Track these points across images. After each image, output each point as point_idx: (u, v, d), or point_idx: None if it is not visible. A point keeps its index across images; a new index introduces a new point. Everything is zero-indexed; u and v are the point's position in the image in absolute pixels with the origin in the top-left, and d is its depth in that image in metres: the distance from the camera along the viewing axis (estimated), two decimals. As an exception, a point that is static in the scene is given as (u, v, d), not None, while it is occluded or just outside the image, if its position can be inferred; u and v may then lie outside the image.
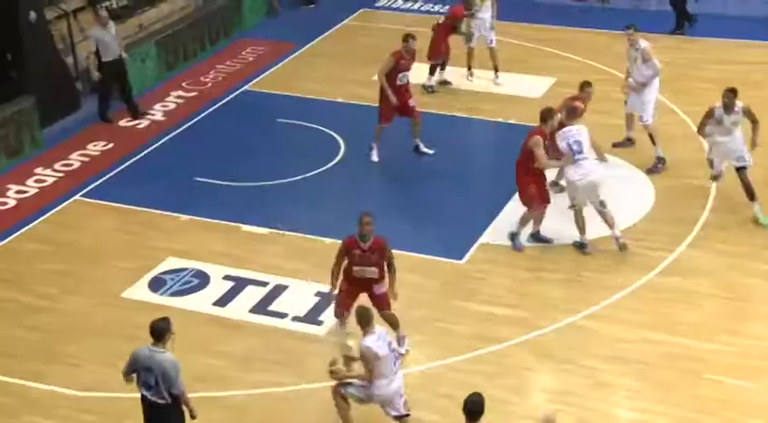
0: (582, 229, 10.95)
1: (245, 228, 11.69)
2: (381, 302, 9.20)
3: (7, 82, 13.86)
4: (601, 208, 10.87)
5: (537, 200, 10.95)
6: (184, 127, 14.41)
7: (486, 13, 15.17)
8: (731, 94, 11.31)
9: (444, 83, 15.23)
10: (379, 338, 7.97)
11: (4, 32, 13.84)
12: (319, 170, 12.95)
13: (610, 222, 10.88)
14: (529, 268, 10.87)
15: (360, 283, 9.19)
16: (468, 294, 10.48)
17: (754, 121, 11.42)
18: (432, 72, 15.03)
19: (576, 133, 10.90)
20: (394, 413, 8.14)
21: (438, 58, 14.98)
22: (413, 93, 12.99)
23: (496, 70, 15.34)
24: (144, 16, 16.71)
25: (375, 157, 13.00)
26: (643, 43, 12.74)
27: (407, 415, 8.21)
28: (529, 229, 11.21)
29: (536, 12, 17.93)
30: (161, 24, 16.72)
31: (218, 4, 17.48)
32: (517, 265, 10.91)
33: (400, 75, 12.66)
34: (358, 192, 12.43)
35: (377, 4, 18.93)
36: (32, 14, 13.91)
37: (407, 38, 12.74)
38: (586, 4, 18.42)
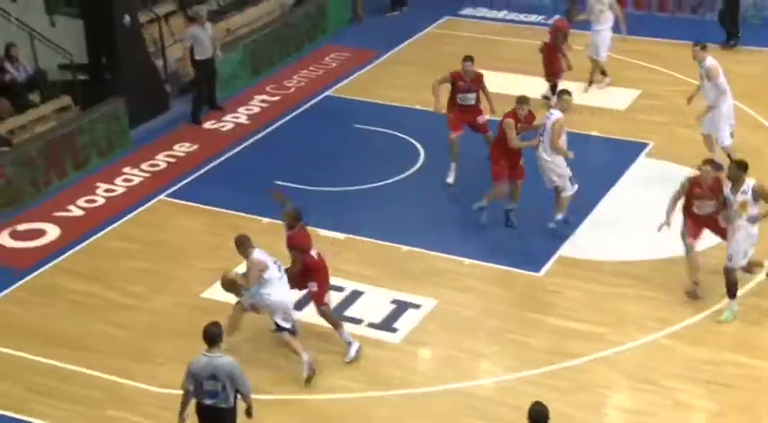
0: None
1: (323, 232, 11.79)
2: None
3: (100, 84, 14.26)
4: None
5: (498, 175, 11.58)
6: (267, 131, 14.63)
7: (603, 26, 14.88)
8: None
9: (547, 98, 14.75)
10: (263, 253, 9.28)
11: (100, 36, 14.24)
12: (399, 177, 13.01)
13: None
14: (608, 283, 10.74)
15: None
16: (545, 307, 10.41)
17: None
18: (553, 91, 14.47)
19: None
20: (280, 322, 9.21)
21: (557, 76, 14.62)
22: (483, 110, 12.72)
23: (590, 83, 15.19)
24: (231, 21, 17.03)
25: (450, 179, 12.80)
26: (709, 61, 12.32)
27: (290, 331, 9.23)
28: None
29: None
30: (248, 29, 17.01)
31: (303, 10, 17.70)
32: (596, 280, 10.79)
33: (460, 95, 12.53)
34: (436, 200, 12.45)
35: (461, 13, 18.93)
36: (126, 18, 14.29)
37: (465, 60, 12.56)
38: (673, 16, 18.12)
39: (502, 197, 11.75)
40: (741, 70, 15.39)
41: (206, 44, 14.43)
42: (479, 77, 12.59)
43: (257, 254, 9.29)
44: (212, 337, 7.57)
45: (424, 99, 14.09)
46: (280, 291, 9.32)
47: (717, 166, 10.56)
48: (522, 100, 11.57)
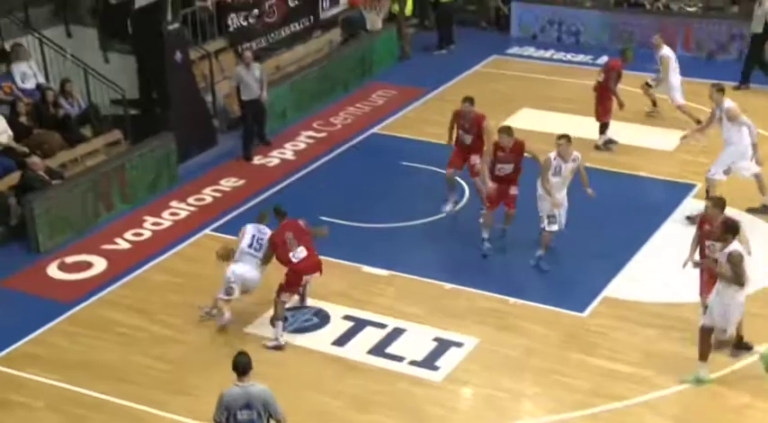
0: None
1: (366, 269, 11.81)
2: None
3: (151, 118, 14.51)
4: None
5: (487, 198, 12.00)
6: (313, 167, 14.74)
7: (673, 77, 15.03)
8: None
9: (610, 142, 14.80)
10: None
11: (151, 72, 14.51)
12: (442, 214, 12.98)
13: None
14: (654, 325, 10.58)
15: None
16: (589, 348, 10.27)
17: None
18: (602, 130, 14.66)
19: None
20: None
21: (607, 115, 14.62)
22: (479, 151, 12.61)
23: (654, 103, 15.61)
24: (281, 58, 17.26)
25: (446, 208, 12.95)
26: (727, 103, 12.28)
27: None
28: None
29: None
30: (296, 66, 17.21)
31: (351, 48, 17.88)
32: (641, 322, 10.64)
33: (460, 132, 12.66)
34: (480, 237, 12.40)
35: (508, 52, 18.98)
36: (178, 55, 14.56)
37: (464, 101, 12.59)
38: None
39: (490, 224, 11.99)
40: None
41: (251, 85, 14.59)
42: (478, 119, 12.52)
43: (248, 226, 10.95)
44: (243, 366, 7.62)
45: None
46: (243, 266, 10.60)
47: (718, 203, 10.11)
48: (504, 130, 11.69)
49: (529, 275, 11.58)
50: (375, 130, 15.94)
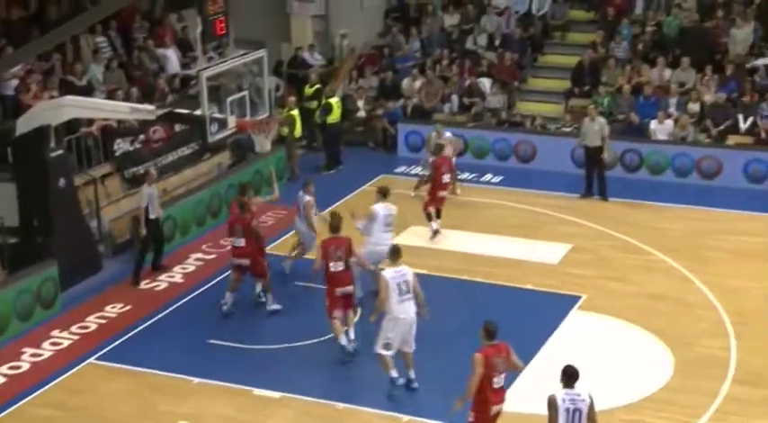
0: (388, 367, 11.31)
1: (257, 391, 11.59)
2: None
3: (32, 247, 14.14)
4: (410, 348, 11.35)
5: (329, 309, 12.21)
6: (203, 289, 14.54)
7: None
8: None
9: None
10: None
11: (35, 198, 14.25)
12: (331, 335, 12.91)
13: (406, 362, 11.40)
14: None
15: None
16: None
17: None
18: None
19: (405, 273, 11.16)
20: None
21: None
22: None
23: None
24: (169, 181, 17.21)
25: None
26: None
27: None
28: None
29: (552, 180, 18.29)
30: (184, 189, 17.17)
31: (239, 170, 17.98)
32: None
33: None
34: (371, 355, 12.32)
35: (396, 171, 19.39)
36: (62, 181, 14.37)
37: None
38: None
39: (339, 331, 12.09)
40: (664, 226, 16.00)
41: (156, 203, 14.71)
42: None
43: None
44: None
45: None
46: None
47: None
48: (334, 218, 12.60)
49: (422, 391, 11.52)
50: (266, 250, 15.86)
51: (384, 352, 11.32)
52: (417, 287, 11.25)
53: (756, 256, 14.98)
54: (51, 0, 18.66)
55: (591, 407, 8.71)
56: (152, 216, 14.63)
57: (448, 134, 17.68)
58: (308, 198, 14.31)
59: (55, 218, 14.28)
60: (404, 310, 11.15)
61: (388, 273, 11.16)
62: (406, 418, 11.00)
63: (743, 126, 18.67)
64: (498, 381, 9.55)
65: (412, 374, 11.49)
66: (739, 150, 18.30)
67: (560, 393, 8.75)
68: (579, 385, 8.78)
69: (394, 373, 11.39)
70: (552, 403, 8.74)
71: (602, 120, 17.47)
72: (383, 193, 13.75)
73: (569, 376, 8.76)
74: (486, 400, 9.54)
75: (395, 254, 11.36)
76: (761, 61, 19.46)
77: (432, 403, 11.21)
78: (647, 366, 11.97)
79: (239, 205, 13.62)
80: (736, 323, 12.86)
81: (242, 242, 13.40)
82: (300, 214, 14.42)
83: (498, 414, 9.78)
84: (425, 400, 11.35)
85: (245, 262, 13.49)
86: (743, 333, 12.60)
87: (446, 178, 16.06)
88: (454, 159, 17.09)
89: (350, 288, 12.33)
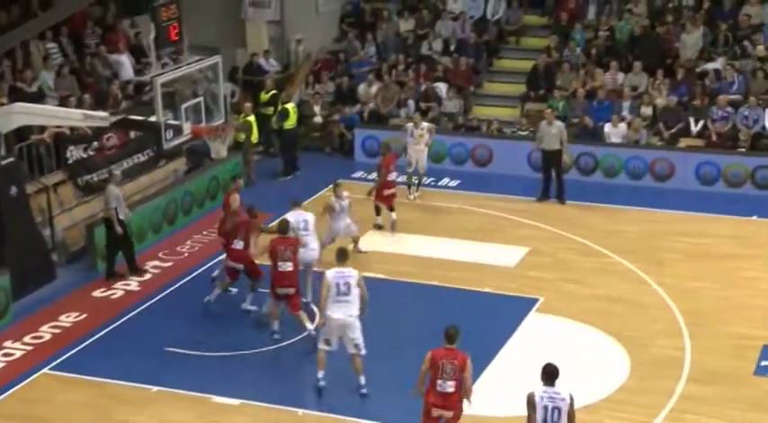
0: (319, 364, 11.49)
1: (216, 399, 11.49)
2: None
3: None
4: (356, 350, 11.35)
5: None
6: (159, 297, 14.39)
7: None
8: None
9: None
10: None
11: (-16, 208, 14.03)
12: (293, 340, 12.85)
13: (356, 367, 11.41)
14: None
15: None
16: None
17: None
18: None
19: (348, 275, 11.21)
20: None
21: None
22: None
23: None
24: (124, 188, 16.94)
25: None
26: None
27: None
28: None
29: (509, 184, 18.41)
30: (140, 196, 17.00)
31: (196, 176, 17.85)
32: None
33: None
34: (331, 361, 12.27)
35: (353, 176, 19.37)
36: (13, 189, 14.15)
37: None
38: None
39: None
40: (619, 228, 16.18)
41: (123, 204, 14.72)
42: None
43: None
44: None
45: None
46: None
47: None
48: (284, 225, 12.83)
49: (374, 395, 11.49)
50: (223, 257, 15.75)
51: (323, 346, 11.45)
52: (363, 289, 11.27)
53: (709, 256, 15.21)
54: (0, 5, 18.38)
55: (571, 405, 8.76)
56: (122, 216, 14.61)
57: (424, 124, 17.92)
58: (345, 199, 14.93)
59: (6, 226, 14.04)
60: (338, 311, 11.18)
61: (330, 273, 11.25)
62: (363, 422, 10.97)
63: (694, 129, 18.96)
64: (443, 385, 9.47)
65: (361, 380, 11.47)
66: (691, 153, 18.57)
67: (539, 391, 8.80)
68: (559, 384, 8.82)
69: (320, 374, 11.51)
70: (530, 401, 8.81)
71: (559, 123, 17.62)
72: (296, 203, 13.88)
73: (549, 375, 8.82)
74: (428, 402, 9.62)
75: (341, 256, 11.44)
76: (710, 65, 19.79)
77: (395, 409, 11.20)
78: (604, 367, 12.08)
79: (248, 211, 13.76)
80: (690, 323, 13.04)
81: (241, 245, 13.44)
82: (341, 213, 14.78)
83: (445, 420, 9.67)
84: (388, 405, 11.31)
85: (240, 266, 13.59)
86: (697, 333, 12.77)
87: (392, 176, 16.30)
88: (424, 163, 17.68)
89: (291, 290, 12.53)
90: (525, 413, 10.03)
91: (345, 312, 11.19)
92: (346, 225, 14.87)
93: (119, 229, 14.51)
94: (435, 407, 9.59)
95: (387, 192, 16.27)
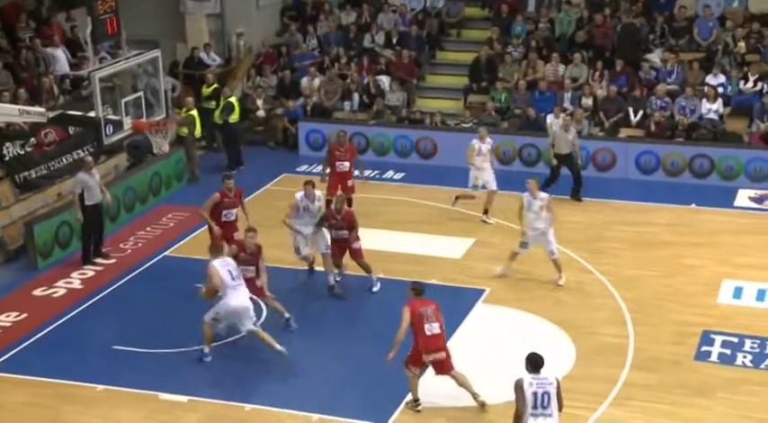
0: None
1: (163, 396, 11.38)
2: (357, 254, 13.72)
3: None
4: (251, 334, 11.94)
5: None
6: (103, 294, 14.19)
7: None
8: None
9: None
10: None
11: None
12: (239, 335, 12.76)
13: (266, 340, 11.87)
14: (454, 431, 10.73)
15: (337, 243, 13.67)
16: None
17: None
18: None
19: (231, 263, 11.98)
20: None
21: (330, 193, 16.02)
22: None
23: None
24: (63, 185, 16.72)
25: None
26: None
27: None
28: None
29: (453, 176, 18.50)
30: (80, 192, 16.70)
31: (138, 172, 17.62)
32: (443, 428, 10.77)
33: (225, 211, 13.92)
34: (274, 355, 12.25)
35: (298, 170, 19.30)
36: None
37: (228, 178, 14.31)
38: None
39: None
40: (563, 218, 16.38)
41: (94, 189, 14.74)
42: (239, 193, 14.33)
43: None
44: None
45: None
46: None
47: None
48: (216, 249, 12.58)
49: (330, 388, 11.50)
50: (167, 252, 15.62)
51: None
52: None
53: (651, 245, 15.48)
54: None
55: (558, 388, 9.01)
56: (88, 202, 14.64)
57: (489, 139, 16.60)
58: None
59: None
60: (236, 297, 11.77)
61: (217, 262, 11.93)
62: (316, 416, 10.96)
63: (633, 119, 19.26)
64: (430, 328, 10.46)
65: None
66: (631, 143, 18.87)
67: (527, 378, 8.99)
68: (545, 371, 9.04)
69: (206, 349, 12.01)
70: (519, 386, 8.97)
71: (574, 131, 17.39)
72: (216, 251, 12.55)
73: (534, 364, 9.04)
74: (419, 351, 10.50)
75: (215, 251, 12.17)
76: (650, 56, 20.12)
77: (341, 401, 11.23)
78: (550, 356, 12.05)
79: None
80: (633, 311, 13.27)
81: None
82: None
83: (440, 363, 10.55)
84: (335, 398, 11.34)
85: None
86: (640, 320, 13.00)
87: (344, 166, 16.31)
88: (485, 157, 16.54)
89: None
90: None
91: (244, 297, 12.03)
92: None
93: (78, 216, 14.68)
94: (429, 352, 10.42)
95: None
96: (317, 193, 14.04)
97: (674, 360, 12.01)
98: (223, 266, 11.89)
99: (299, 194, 13.97)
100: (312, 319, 13.10)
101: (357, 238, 13.85)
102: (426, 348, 10.52)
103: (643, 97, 19.39)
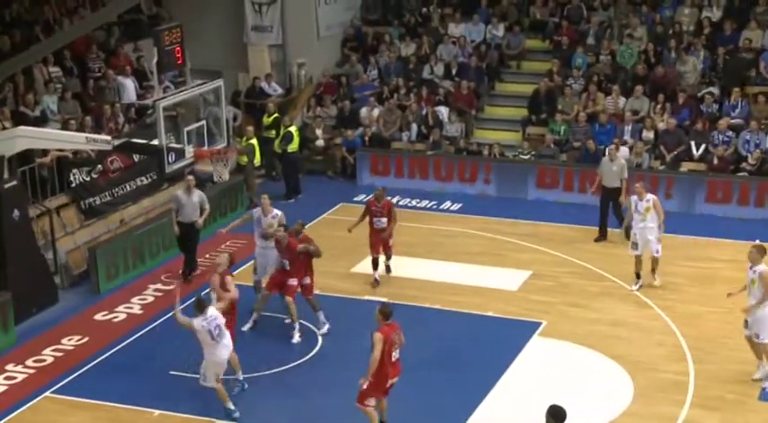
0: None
1: (219, 423, 11.47)
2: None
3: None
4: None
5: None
6: (162, 320, 14.37)
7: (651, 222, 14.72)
8: None
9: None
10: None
11: (-13, 231, 14.05)
12: (300, 361, 12.79)
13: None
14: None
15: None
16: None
17: None
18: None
19: (217, 319, 11.51)
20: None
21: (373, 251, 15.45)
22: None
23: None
24: (126, 211, 17.04)
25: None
26: (761, 267, 11.93)
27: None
28: None
29: (511, 207, 18.44)
30: (143, 219, 17.01)
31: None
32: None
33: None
34: (334, 382, 12.25)
35: (356, 199, 19.39)
36: (16, 212, 14.17)
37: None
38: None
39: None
40: (621, 252, 16.16)
41: (185, 209, 15.35)
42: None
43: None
44: None
45: (320, 284, 14.21)
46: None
47: None
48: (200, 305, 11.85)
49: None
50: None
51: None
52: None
53: (713, 281, 15.18)
54: (3, 30, 18.49)
55: None
56: (179, 219, 15.31)
57: (651, 196, 15.03)
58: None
59: (9, 249, 14.06)
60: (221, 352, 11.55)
61: (197, 322, 11.33)
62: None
63: (696, 153, 18.99)
64: (395, 355, 10.62)
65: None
66: (692, 175, 18.57)
67: None
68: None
69: (231, 406, 11.61)
70: None
71: (622, 161, 16.94)
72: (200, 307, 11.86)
73: (556, 416, 8.58)
74: (386, 374, 10.52)
75: (199, 306, 11.47)
76: (713, 89, 19.86)
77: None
78: (608, 392, 12.04)
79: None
80: (693, 348, 13.01)
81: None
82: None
83: (392, 386, 10.74)
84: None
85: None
86: (701, 358, 12.74)
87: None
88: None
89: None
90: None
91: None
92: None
93: (175, 230, 15.30)
94: (392, 377, 10.66)
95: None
96: (277, 211, 14.41)
97: (738, 399, 11.74)
98: (203, 327, 11.35)
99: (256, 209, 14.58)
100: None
101: (308, 274, 13.64)
102: (393, 374, 10.69)
103: (705, 131, 19.12)
